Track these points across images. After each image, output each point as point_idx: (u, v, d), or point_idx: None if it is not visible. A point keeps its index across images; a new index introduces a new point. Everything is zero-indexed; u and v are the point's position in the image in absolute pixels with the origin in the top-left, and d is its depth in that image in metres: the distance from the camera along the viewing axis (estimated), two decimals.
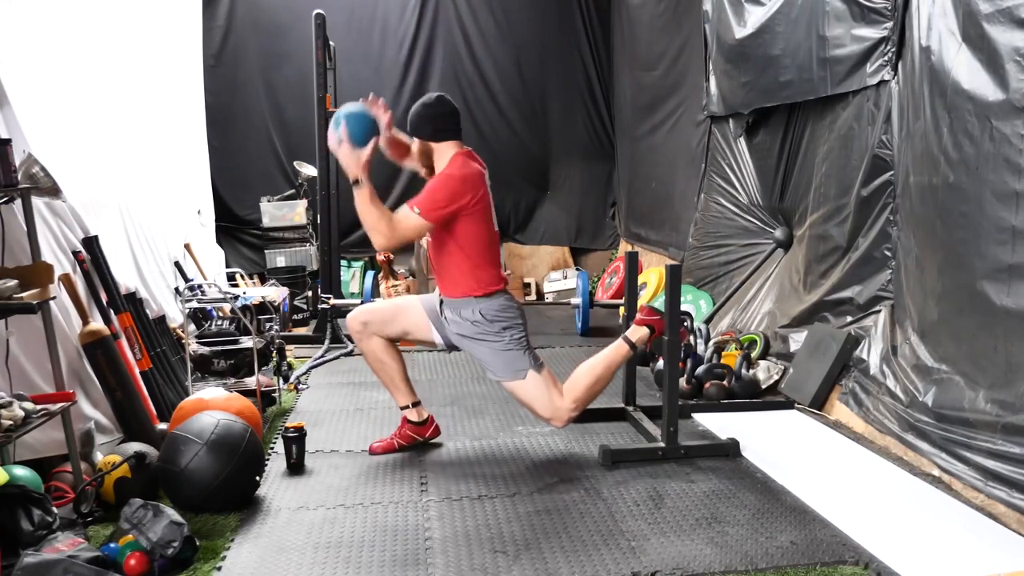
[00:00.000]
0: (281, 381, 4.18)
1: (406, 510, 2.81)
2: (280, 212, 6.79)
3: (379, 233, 3.04)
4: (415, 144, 3.27)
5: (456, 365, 4.92)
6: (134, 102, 4.75)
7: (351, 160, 3.03)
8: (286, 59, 7.24)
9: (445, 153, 3.19)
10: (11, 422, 2.45)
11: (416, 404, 3.44)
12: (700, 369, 4.22)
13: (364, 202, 3.04)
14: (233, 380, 3.97)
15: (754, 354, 4.38)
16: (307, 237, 6.80)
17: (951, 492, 2.87)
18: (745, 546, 2.50)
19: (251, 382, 3.88)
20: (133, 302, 3.86)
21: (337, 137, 3.04)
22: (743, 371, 4.17)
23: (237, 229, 7.32)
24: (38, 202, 3.11)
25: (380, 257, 6.99)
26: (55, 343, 2.79)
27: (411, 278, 7.11)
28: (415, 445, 3.44)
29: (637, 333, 3.30)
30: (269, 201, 6.84)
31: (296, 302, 6.16)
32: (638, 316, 3.34)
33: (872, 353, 3.62)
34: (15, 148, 2.73)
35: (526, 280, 7.79)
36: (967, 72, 2.92)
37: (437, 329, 3.32)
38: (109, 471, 2.77)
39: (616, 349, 3.29)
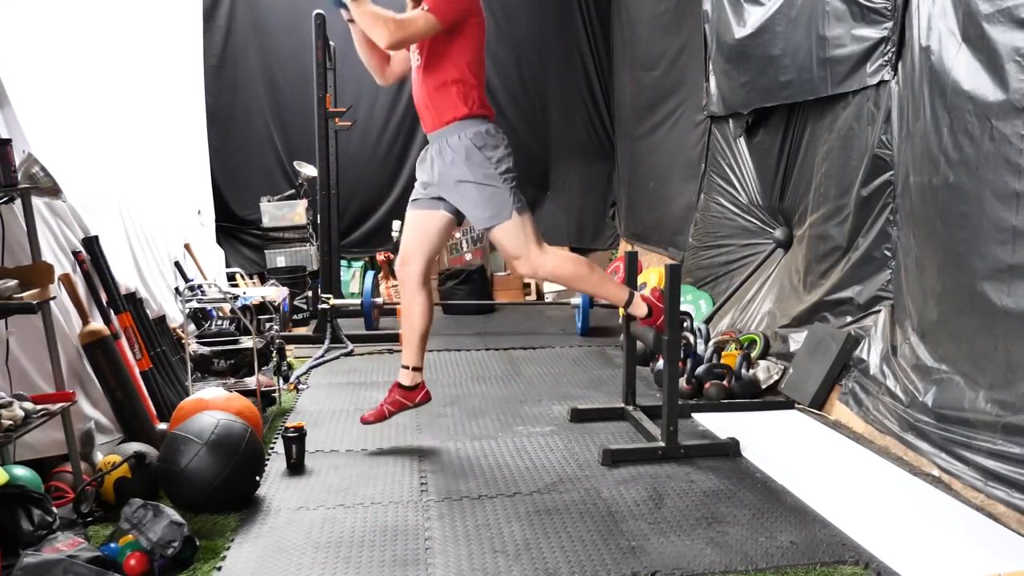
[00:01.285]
0: (281, 381, 4.18)
1: (406, 510, 2.81)
2: (280, 212, 6.79)
3: (385, 30, 2.96)
4: None
5: (456, 365, 4.92)
6: (134, 102, 4.75)
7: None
8: (286, 59, 7.24)
9: None
10: (11, 422, 2.45)
11: (416, 369, 3.44)
12: (700, 369, 4.22)
13: (365, 10, 3.01)
14: (233, 380, 3.97)
15: (754, 354, 4.38)
16: (307, 237, 6.81)
17: (951, 492, 2.87)
18: (745, 546, 2.50)
19: (251, 382, 3.88)
20: (133, 302, 3.86)
21: None
22: (743, 371, 4.17)
23: (237, 229, 7.32)
24: (38, 202, 3.11)
25: (380, 257, 7.00)
26: (55, 343, 2.79)
27: None
28: (406, 410, 3.44)
29: (638, 304, 3.31)
30: (269, 201, 6.85)
31: (296, 302, 6.16)
32: (649, 295, 3.35)
33: (872, 353, 3.62)
34: (15, 148, 2.73)
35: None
36: (967, 72, 2.92)
37: (435, 201, 3.29)
38: (109, 471, 2.77)
39: (618, 286, 3.31)
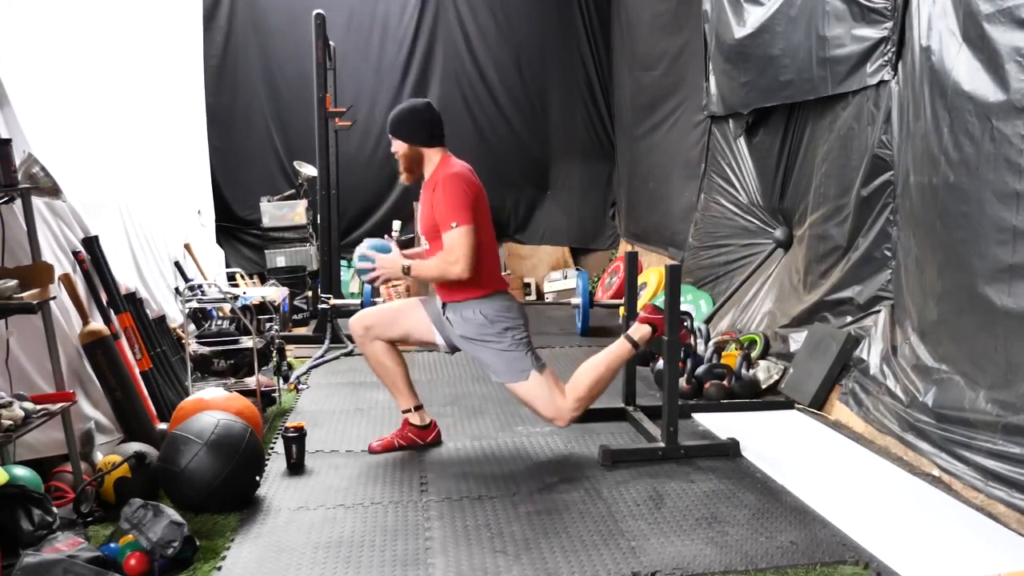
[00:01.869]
0: (281, 381, 4.18)
1: (406, 510, 2.81)
2: (280, 212, 6.79)
3: (449, 272, 3.08)
4: (401, 148, 3.22)
5: (456, 365, 4.92)
6: (134, 102, 4.75)
7: (391, 267, 3.18)
8: (286, 59, 7.25)
9: (434, 158, 3.21)
10: (11, 422, 2.45)
11: (419, 408, 3.45)
12: (700, 369, 4.22)
13: (421, 270, 3.17)
14: (233, 380, 3.97)
15: (754, 354, 4.38)
16: (307, 237, 6.80)
17: (951, 492, 2.87)
18: (745, 546, 2.50)
19: (251, 382, 3.88)
20: (133, 302, 3.86)
21: (369, 265, 3.20)
22: (743, 371, 4.17)
23: (237, 229, 7.32)
24: (38, 202, 3.11)
25: None
26: (55, 343, 2.79)
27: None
28: (415, 447, 3.44)
29: (639, 331, 3.30)
30: (269, 201, 6.85)
31: (296, 302, 6.16)
32: (641, 314, 3.34)
33: (872, 353, 3.62)
34: (15, 148, 2.73)
35: (526, 280, 7.79)
36: (967, 72, 2.92)
37: (439, 330, 3.33)
38: (109, 471, 2.77)
39: (618, 348, 3.29)
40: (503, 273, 3.32)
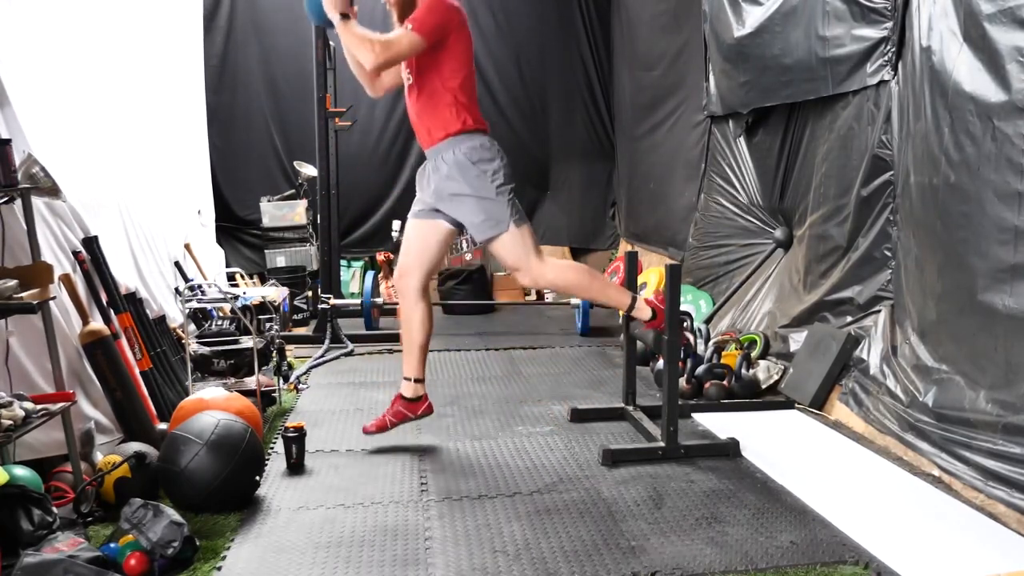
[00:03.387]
0: (281, 381, 4.18)
1: (406, 510, 2.81)
2: (280, 212, 6.79)
3: (370, 51, 2.99)
4: None
5: (456, 365, 4.92)
6: (134, 102, 4.75)
7: (332, 3, 3.04)
8: (286, 59, 7.25)
9: None
10: (11, 422, 2.45)
11: (418, 381, 3.44)
12: (700, 369, 4.22)
13: (351, 32, 3.04)
14: (233, 380, 3.97)
15: (754, 354, 4.38)
16: (307, 237, 6.81)
17: (951, 492, 2.87)
18: (745, 546, 2.50)
19: (251, 382, 3.88)
20: (133, 302, 3.86)
21: None
22: (743, 371, 4.17)
23: (237, 229, 7.32)
24: (38, 202, 3.11)
25: (380, 257, 7.00)
26: (55, 343, 2.79)
27: None
28: (407, 421, 3.44)
29: (642, 305, 3.29)
30: (269, 201, 6.85)
31: (296, 302, 6.16)
32: (651, 298, 3.34)
33: (872, 353, 3.62)
34: (15, 148, 2.73)
35: None
36: (968, 72, 2.92)
37: (435, 212, 3.28)
38: (109, 471, 2.77)
39: (619, 289, 3.29)
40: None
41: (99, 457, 2.94)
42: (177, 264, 5.05)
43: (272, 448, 3.41)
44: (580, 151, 7.96)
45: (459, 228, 3.34)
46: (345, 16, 3.06)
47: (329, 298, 5.42)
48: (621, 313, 3.63)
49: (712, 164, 5.58)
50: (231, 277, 5.87)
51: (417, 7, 3.12)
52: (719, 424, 3.69)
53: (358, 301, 5.85)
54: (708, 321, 5.06)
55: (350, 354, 5.19)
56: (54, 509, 2.47)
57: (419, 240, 3.35)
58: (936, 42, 3.15)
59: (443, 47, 3.11)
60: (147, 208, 4.70)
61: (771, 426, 3.70)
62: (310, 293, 6.13)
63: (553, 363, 4.96)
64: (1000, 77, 2.74)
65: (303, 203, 6.78)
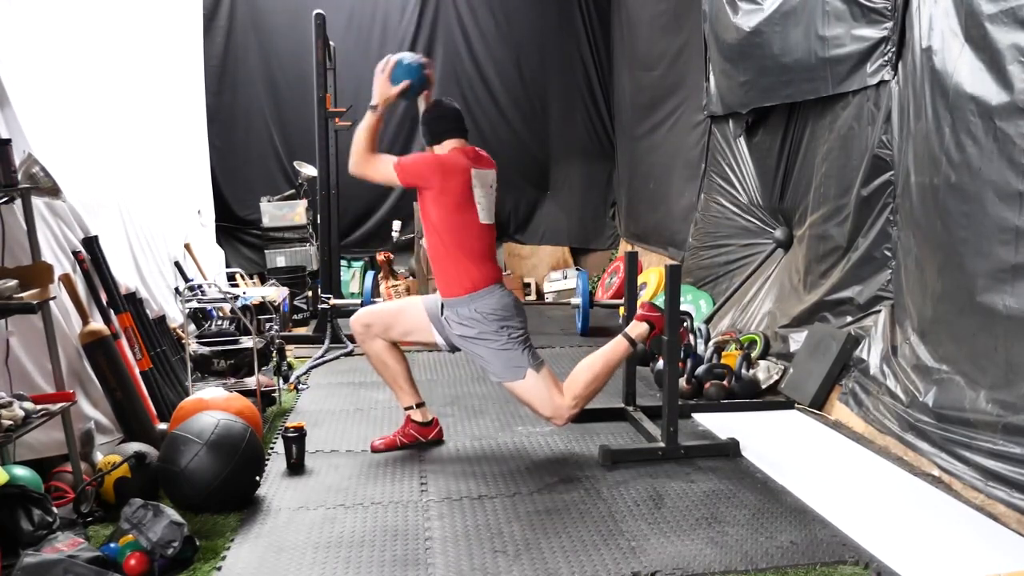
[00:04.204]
0: (281, 381, 4.18)
1: (406, 510, 2.81)
2: (280, 212, 6.79)
3: (357, 156, 3.17)
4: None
5: (456, 365, 4.92)
6: (134, 102, 4.75)
7: (384, 88, 3.21)
8: (286, 59, 7.25)
9: (444, 151, 3.25)
10: (11, 422, 2.45)
11: (420, 405, 3.46)
12: (700, 369, 4.22)
13: (367, 126, 3.19)
14: (233, 380, 3.97)
15: (754, 354, 4.38)
16: (307, 237, 6.81)
17: (951, 492, 2.87)
18: (745, 546, 2.50)
19: (251, 382, 3.88)
20: (133, 302, 3.86)
21: (384, 68, 3.22)
22: (743, 371, 4.17)
23: (237, 229, 7.33)
24: (38, 202, 3.11)
25: (380, 257, 7.00)
26: (55, 343, 2.79)
27: (411, 278, 7.11)
28: (416, 444, 3.44)
29: (637, 329, 3.30)
30: (269, 201, 6.85)
31: (296, 302, 6.16)
32: (639, 312, 3.34)
33: (872, 353, 3.62)
34: (15, 148, 2.73)
35: (526, 280, 7.79)
36: (970, 72, 2.92)
37: (438, 330, 3.33)
38: (109, 471, 2.77)
39: (615, 345, 3.30)
40: (504, 273, 3.31)
41: (99, 457, 2.94)
42: (177, 264, 5.05)
43: (272, 448, 3.41)
44: (580, 151, 7.96)
45: (447, 349, 3.37)
46: (374, 106, 3.22)
47: (329, 298, 5.42)
48: (621, 312, 3.63)
49: (712, 164, 5.58)
50: (231, 277, 5.87)
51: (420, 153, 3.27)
52: (719, 424, 3.69)
53: (358, 301, 5.85)
54: (708, 321, 5.06)
55: (350, 354, 5.19)
56: (54, 509, 2.47)
57: (406, 319, 3.37)
58: (937, 42, 3.15)
59: (427, 199, 3.18)
60: (147, 208, 4.70)
61: (771, 426, 3.70)
62: (310, 293, 6.13)
63: (553, 363, 4.92)
64: (1002, 77, 2.74)
65: (303, 203, 6.78)
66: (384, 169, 3.16)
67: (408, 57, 3.26)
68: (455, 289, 3.22)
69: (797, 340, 4.21)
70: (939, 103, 3.11)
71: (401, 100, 3.31)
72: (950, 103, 3.03)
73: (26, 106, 3.24)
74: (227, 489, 2.77)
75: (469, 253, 3.19)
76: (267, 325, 4.24)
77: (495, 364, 3.23)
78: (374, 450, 3.39)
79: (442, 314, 3.29)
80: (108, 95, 4.35)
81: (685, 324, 3.35)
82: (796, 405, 3.95)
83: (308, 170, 6.52)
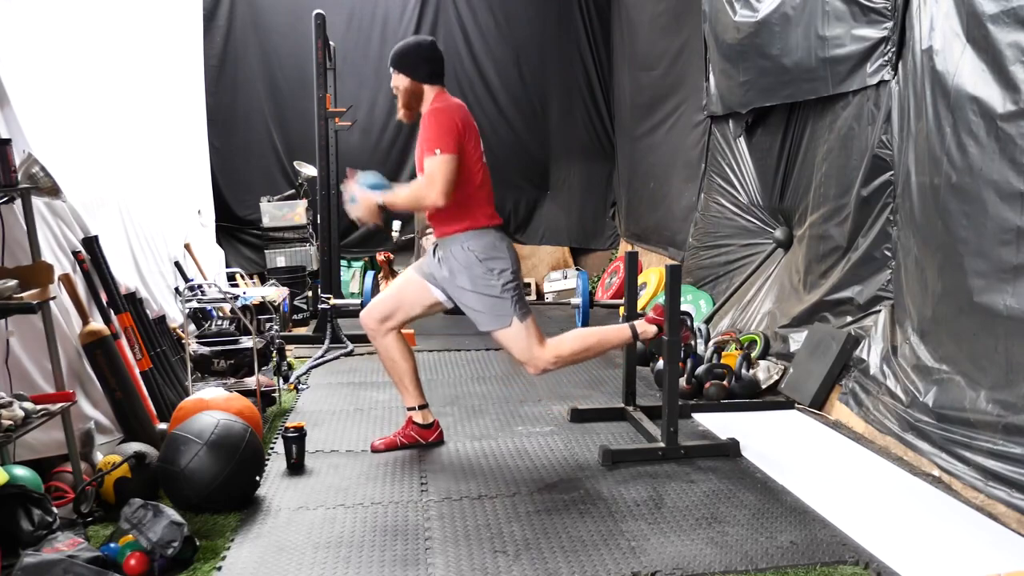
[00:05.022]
0: (281, 381, 4.18)
1: (406, 510, 2.81)
2: (280, 212, 6.79)
3: (424, 197, 3.10)
4: (403, 83, 3.23)
5: (456, 365, 4.92)
6: (134, 102, 4.75)
7: (366, 204, 3.17)
8: (286, 59, 7.25)
9: (430, 95, 3.22)
10: (11, 422, 2.45)
11: (423, 407, 3.46)
12: (700, 369, 4.22)
13: (396, 199, 3.18)
14: (233, 380, 3.97)
15: (754, 354, 4.37)
16: (307, 237, 6.81)
17: (951, 492, 2.87)
18: (745, 546, 2.50)
19: (251, 382, 3.88)
20: (133, 302, 3.86)
21: (352, 198, 3.21)
22: (743, 371, 4.17)
23: (237, 229, 7.33)
24: (38, 202, 3.11)
25: (380, 257, 7.00)
26: (55, 343, 2.79)
27: None
28: (416, 446, 3.44)
29: (644, 327, 3.29)
30: (269, 201, 6.85)
31: (296, 302, 6.16)
32: (651, 314, 3.32)
33: (872, 353, 3.62)
34: (15, 148, 2.73)
35: (526, 280, 7.79)
36: (971, 73, 2.91)
37: (435, 285, 3.30)
38: (109, 471, 2.77)
39: (618, 330, 3.29)
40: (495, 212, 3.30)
41: (99, 457, 2.94)
42: (177, 264, 5.05)
43: (272, 448, 3.41)
44: (580, 151, 7.96)
45: (451, 305, 3.35)
46: (382, 207, 3.18)
47: (329, 298, 5.42)
48: (621, 312, 3.63)
49: (712, 164, 5.58)
50: (231, 277, 5.87)
51: (425, 119, 3.18)
52: (719, 424, 3.69)
53: (358, 301, 5.85)
54: (708, 321, 5.06)
55: (350, 354, 5.19)
56: (54, 509, 2.47)
57: (410, 294, 3.35)
58: (938, 43, 3.14)
59: (467, 149, 3.15)
60: (147, 208, 4.70)
61: (771, 426, 3.70)
62: (310, 293, 6.13)
63: None
64: (1004, 78, 2.74)
65: (303, 203, 6.78)
66: (445, 168, 3.04)
67: (370, 179, 3.27)
68: (452, 227, 3.19)
69: (797, 340, 4.21)
70: (940, 103, 3.11)
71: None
72: (952, 103, 3.03)
73: (26, 106, 3.24)
74: (227, 489, 2.77)
75: (478, 192, 3.18)
76: (267, 325, 4.24)
77: (482, 311, 3.20)
78: (374, 450, 3.39)
79: (435, 256, 3.27)
80: (108, 95, 4.35)
81: (687, 325, 3.34)
82: (796, 405, 3.95)
83: (308, 170, 6.52)
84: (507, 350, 3.29)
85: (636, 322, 3.31)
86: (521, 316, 3.20)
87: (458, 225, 3.19)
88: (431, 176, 3.07)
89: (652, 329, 3.28)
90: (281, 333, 4.55)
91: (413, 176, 3.48)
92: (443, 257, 3.24)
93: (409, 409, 3.45)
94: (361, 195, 3.18)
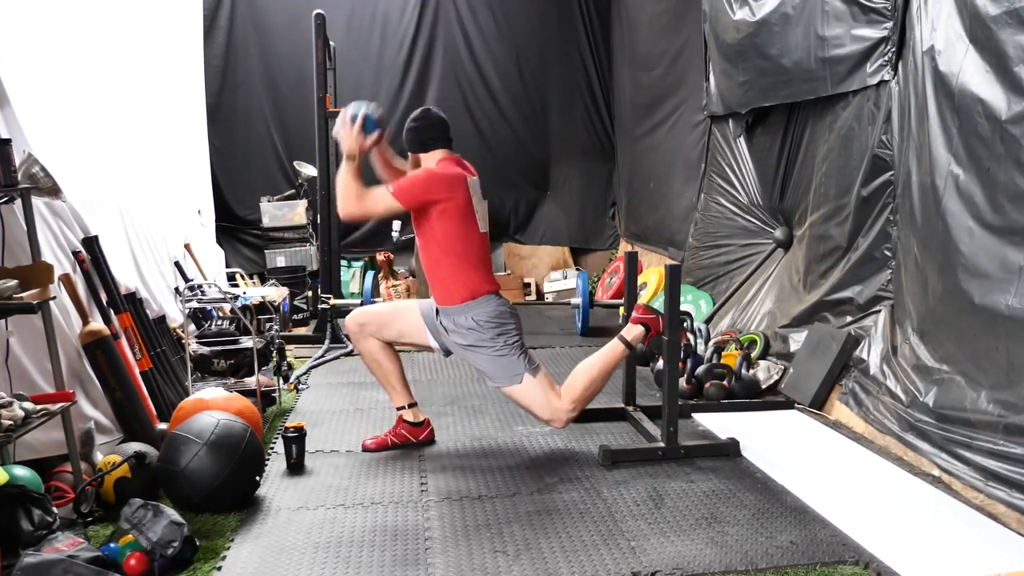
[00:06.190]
0: (281, 381, 4.18)
1: (406, 510, 2.81)
2: (280, 212, 6.80)
3: (347, 198, 3.16)
4: (409, 162, 3.36)
5: (456, 365, 4.92)
6: (134, 102, 4.75)
7: (355, 140, 3.20)
8: (286, 59, 7.25)
9: (432, 159, 3.26)
10: (11, 422, 2.45)
11: (412, 405, 3.47)
12: (700, 369, 4.22)
13: (347, 173, 3.18)
14: (233, 380, 3.97)
15: (754, 354, 4.37)
16: (307, 237, 6.81)
17: (951, 492, 2.87)
18: (745, 546, 2.50)
19: (251, 382, 3.88)
20: (133, 302, 3.86)
21: (350, 119, 3.21)
22: (743, 371, 4.16)
23: (237, 229, 7.33)
24: (38, 202, 3.11)
25: (380, 257, 7.00)
26: (55, 343, 2.79)
27: (411, 278, 7.11)
28: (407, 445, 3.44)
29: (632, 332, 3.30)
30: (269, 201, 6.85)
31: (296, 302, 6.16)
32: (633, 315, 3.35)
33: (872, 353, 3.62)
34: (15, 148, 2.73)
35: (526, 280, 7.78)
36: (975, 73, 2.91)
37: (433, 334, 3.34)
38: (109, 471, 2.77)
39: (612, 349, 3.30)
40: (503, 273, 3.33)
41: (99, 457, 2.94)
42: (177, 264, 5.05)
43: (272, 448, 3.41)
44: (580, 151, 7.96)
45: (441, 352, 3.39)
46: (351, 157, 3.20)
47: (329, 298, 5.42)
48: (621, 312, 3.64)
49: (712, 164, 5.58)
50: (231, 277, 5.87)
51: (414, 170, 3.26)
52: (719, 424, 3.69)
53: (358, 301, 5.85)
54: (708, 321, 5.06)
55: (350, 354, 5.18)
56: (54, 509, 2.47)
57: (402, 324, 3.37)
58: (941, 43, 3.14)
59: (432, 214, 3.17)
60: (147, 208, 4.70)
61: (771, 426, 3.70)
62: (310, 293, 6.13)
63: (553, 363, 4.95)
64: (1008, 79, 2.73)
65: (303, 203, 6.78)
66: (382, 200, 3.13)
67: (370, 108, 3.26)
68: (453, 297, 3.23)
69: (797, 340, 4.21)
70: (943, 104, 3.11)
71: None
72: (956, 104, 3.02)
73: (26, 106, 3.24)
74: (227, 489, 2.77)
75: (468, 263, 3.21)
76: (267, 325, 4.24)
77: (493, 370, 3.25)
78: (365, 449, 3.40)
79: (438, 318, 3.30)
80: (108, 95, 4.35)
81: (685, 324, 3.35)
82: (796, 405, 3.95)
83: (308, 170, 6.52)
84: (528, 409, 3.30)
85: (623, 332, 3.32)
86: (532, 371, 3.23)
87: (461, 295, 3.21)
88: (365, 197, 3.13)
89: (639, 330, 3.29)
90: (281, 333, 4.55)
91: None
92: (447, 326, 3.27)
93: (399, 408, 3.46)
94: (348, 130, 3.20)
